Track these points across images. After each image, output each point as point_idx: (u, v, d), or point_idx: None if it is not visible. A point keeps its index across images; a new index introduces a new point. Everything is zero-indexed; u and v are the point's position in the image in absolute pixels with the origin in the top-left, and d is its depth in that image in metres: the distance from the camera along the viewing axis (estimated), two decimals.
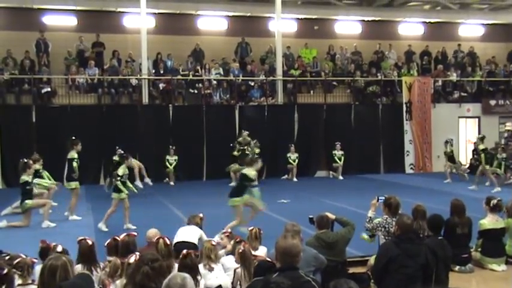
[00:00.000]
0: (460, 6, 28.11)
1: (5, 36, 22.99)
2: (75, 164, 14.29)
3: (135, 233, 7.41)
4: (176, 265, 6.43)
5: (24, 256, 6.58)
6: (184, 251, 6.48)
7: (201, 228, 8.17)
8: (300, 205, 15.38)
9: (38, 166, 15.10)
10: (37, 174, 14.83)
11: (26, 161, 13.56)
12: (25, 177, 13.17)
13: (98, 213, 14.64)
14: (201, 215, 8.41)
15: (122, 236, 7.19)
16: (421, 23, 28.59)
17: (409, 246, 6.83)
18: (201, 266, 7.14)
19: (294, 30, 26.84)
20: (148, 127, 21.69)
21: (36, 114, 20.94)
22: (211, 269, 7.09)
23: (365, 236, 8.68)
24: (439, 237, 8.01)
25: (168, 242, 7.05)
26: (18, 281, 6.19)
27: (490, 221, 9.51)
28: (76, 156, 14.37)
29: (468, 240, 9.41)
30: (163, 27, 24.86)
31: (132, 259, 6.23)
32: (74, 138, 14.76)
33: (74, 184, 14.41)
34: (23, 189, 13.18)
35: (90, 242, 6.85)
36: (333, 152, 22.73)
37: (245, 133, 20.68)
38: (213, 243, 7.39)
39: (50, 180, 15.81)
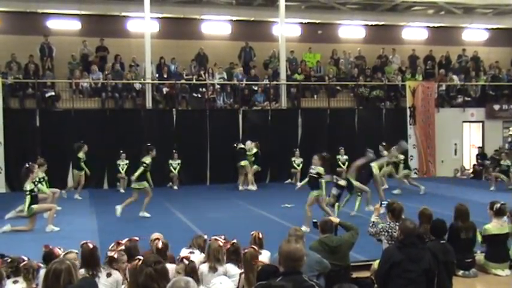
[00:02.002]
0: (464, 10, 28.10)
1: (9, 40, 23.07)
2: (142, 169, 14.69)
3: (137, 238, 7.40)
4: (169, 268, 6.41)
5: (26, 259, 6.62)
6: (181, 255, 6.47)
7: (203, 250, 7.90)
8: (303, 210, 15.33)
9: (41, 174, 15.06)
10: (40, 181, 14.79)
11: (27, 166, 13.54)
12: (27, 186, 13.16)
13: (102, 218, 14.67)
14: (205, 236, 8.25)
15: (124, 241, 7.20)
16: (424, 28, 28.60)
17: (412, 251, 6.82)
18: (205, 266, 7.11)
19: (297, 35, 26.86)
20: (151, 131, 21.69)
21: (40, 118, 20.97)
22: (215, 270, 7.05)
23: None
24: (441, 242, 7.98)
25: (160, 246, 7.06)
26: (22, 284, 6.21)
27: (494, 226, 9.49)
28: (149, 161, 14.80)
29: (472, 245, 9.39)
30: (167, 32, 24.91)
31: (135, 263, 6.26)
32: (149, 144, 15.35)
33: (143, 184, 14.86)
34: (27, 196, 13.18)
35: (91, 246, 6.87)
36: (337, 157, 22.65)
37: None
38: (220, 243, 7.33)
39: (47, 191, 15.67)
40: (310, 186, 12.84)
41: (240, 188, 20.55)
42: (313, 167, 12.90)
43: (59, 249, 7.01)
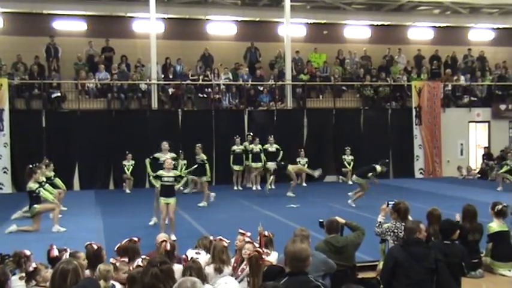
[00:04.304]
0: (469, 10, 28.02)
1: (16, 41, 23.12)
2: None
3: (136, 238, 7.38)
4: (176, 268, 6.41)
5: (29, 253, 6.65)
6: (187, 256, 6.46)
7: (209, 251, 7.89)
8: (309, 210, 15.35)
9: (49, 173, 15.17)
10: (49, 181, 14.88)
11: (31, 167, 13.63)
12: (31, 185, 13.23)
13: (108, 218, 14.69)
14: (211, 237, 8.25)
15: (123, 242, 7.18)
16: (430, 28, 28.53)
17: (416, 250, 6.80)
18: (211, 268, 7.10)
19: (303, 35, 26.83)
20: (157, 132, 21.64)
21: (46, 119, 21.03)
22: (220, 271, 7.03)
23: None
24: (445, 242, 7.91)
25: (169, 248, 7.04)
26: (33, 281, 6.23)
27: (497, 224, 9.51)
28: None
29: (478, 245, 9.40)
30: (173, 32, 24.92)
31: (135, 264, 6.26)
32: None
33: None
34: (30, 196, 13.25)
35: (95, 247, 6.87)
36: (343, 157, 22.69)
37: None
38: (225, 244, 7.32)
39: (62, 186, 15.87)
40: (199, 174, 15.09)
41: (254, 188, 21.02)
42: (198, 156, 17.14)
43: (64, 250, 7.01)
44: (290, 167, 19.42)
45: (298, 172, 20.86)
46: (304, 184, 21.95)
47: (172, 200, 12.19)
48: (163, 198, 12.17)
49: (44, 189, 13.70)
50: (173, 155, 14.08)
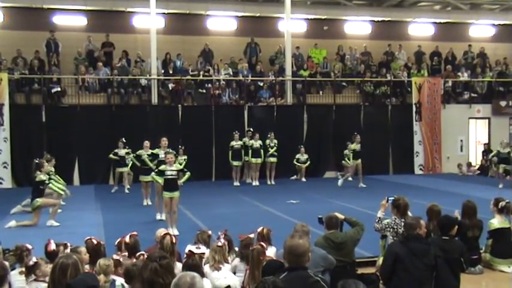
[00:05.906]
0: (470, 6, 27.98)
1: (16, 36, 23.08)
2: None
3: (136, 233, 7.38)
4: (177, 265, 6.42)
5: (30, 247, 6.67)
6: (187, 251, 6.48)
7: (208, 246, 7.92)
8: (309, 206, 15.36)
9: (50, 168, 15.16)
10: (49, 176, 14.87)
11: (37, 161, 13.64)
12: (42, 176, 13.23)
13: (108, 213, 14.70)
14: (209, 232, 8.26)
15: (126, 239, 7.17)
16: (431, 24, 28.45)
17: (416, 246, 6.81)
18: (207, 266, 7.13)
19: (303, 31, 26.77)
20: (157, 127, 21.62)
21: (46, 114, 21.01)
22: (218, 269, 7.06)
23: None
24: (444, 238, 7.90)
25: (174, 241, 7.04)
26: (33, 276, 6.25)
27: (498, 221, 9.51)
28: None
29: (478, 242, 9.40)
30: (173, 27, 24.88)
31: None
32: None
33: None
34: (36, 188, 13.22)
35: (95, 242, 6.87)
36: (344, 153, 22.64)
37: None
38: (219, 244, 7.35)
39: (61, 182, 15.86)
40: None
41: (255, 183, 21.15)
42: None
43: (63, 245, 7.00)
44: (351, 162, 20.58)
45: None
46: (303, 179, 21.96)
47: (176, 194, 12.26)
48: (167, 192, 12.22)
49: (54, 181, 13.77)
50: (172, 151, 14.13)
